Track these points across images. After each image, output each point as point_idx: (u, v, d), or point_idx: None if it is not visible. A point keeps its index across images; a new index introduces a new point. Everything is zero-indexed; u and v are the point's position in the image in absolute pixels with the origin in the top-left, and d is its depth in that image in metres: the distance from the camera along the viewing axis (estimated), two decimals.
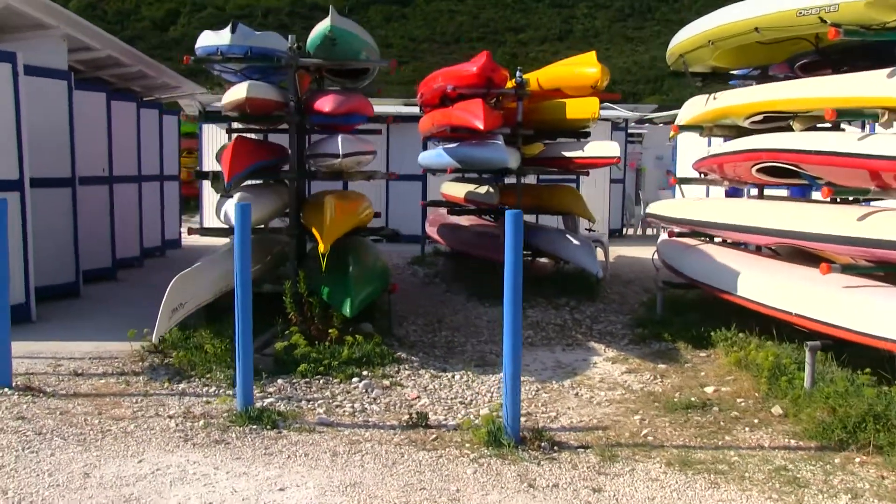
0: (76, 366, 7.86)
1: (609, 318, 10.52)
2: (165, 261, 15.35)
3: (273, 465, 5.52)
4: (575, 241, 11.59)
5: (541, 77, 12.36)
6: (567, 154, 11.90)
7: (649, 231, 20.84)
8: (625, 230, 21.61)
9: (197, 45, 9.43)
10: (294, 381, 7.42)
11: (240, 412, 6.34)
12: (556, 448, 5.92)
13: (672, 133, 10.66)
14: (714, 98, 9.13)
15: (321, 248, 7.93)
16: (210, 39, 9.12)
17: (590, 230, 12.86)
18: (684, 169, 16.26)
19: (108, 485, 5.17)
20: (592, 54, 11.74)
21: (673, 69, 10.04)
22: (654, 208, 11.11)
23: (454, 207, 13.60)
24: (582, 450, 5.92)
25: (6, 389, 6.99)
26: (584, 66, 11.62)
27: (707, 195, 15.44)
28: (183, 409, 6.64)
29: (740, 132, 9.63)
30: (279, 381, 7.40)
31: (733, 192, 13.43)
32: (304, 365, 7.55)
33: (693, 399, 7.11)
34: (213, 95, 17.97)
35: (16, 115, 9.70)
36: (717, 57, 8.76)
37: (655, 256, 11.37)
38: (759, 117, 8.37)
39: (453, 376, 7.79)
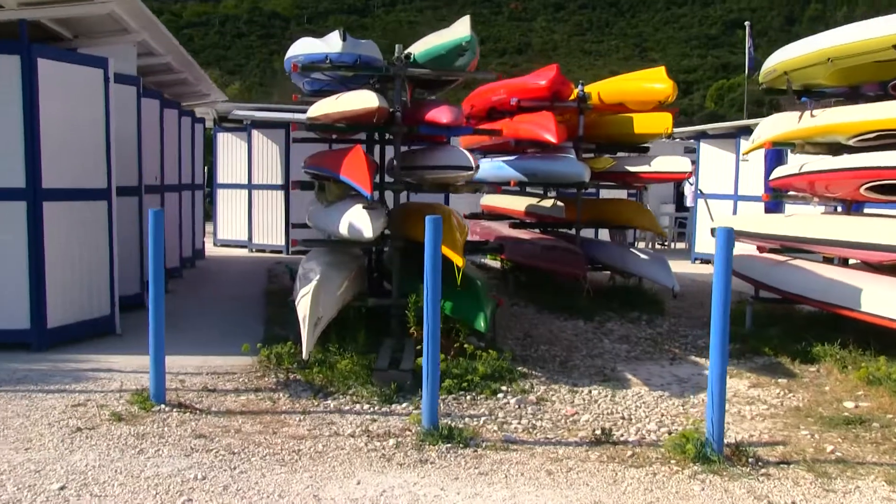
0: (200, 381, 7.69)
1: (692, 332, 10.58)
2: (200, 271, 15.07)
3: (497, 485, 5.42)
4: (644, 256, 11.64)
5: (602, 91, 12.40)
6: (632, 169, 11.94)
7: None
8: (636, 243, 21.79)
9: (298, 52, 9.27)
10: (442, 397, 7.26)
11: (428, 430, 6.20)
12: (759, 464, 5.89)
13: (750, 149, 10.74)
14: (812, 115, 9.25)
15: (459, 262, 7.80)
16: (318, 47, 8.97)
17: (663, 244, 12.91)
18: (706, 183, 16.51)
19: None
20: (662, 70, 11.85)
21: (767, 86, 10.15)
22: (732, 223, 11.17)
23: (511, 220, 13.56)
24: (785, 465, 5.92)
25: (163, 406, 6.75)
26: (654, 82, 11.72)
27: (734, 211, 15.67)
28: (358, 427, 6.47)
29: (831, 150, 9.76)
30: None
31: (774, 207, 13.64)
32: (449, 381, 7.42)
33: (845, 414, 7.16)
34: (230, 104, 17.64)
35: (105, 123, 9.42)
36: (830, 75, 8.90)
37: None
38: (872, 135, 8.50)
39: (590, 392, 7.75)
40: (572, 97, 12.04)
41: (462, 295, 8.30)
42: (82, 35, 10.05)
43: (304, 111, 18.21)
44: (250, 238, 18.20)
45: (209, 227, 19.83)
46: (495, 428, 6.63)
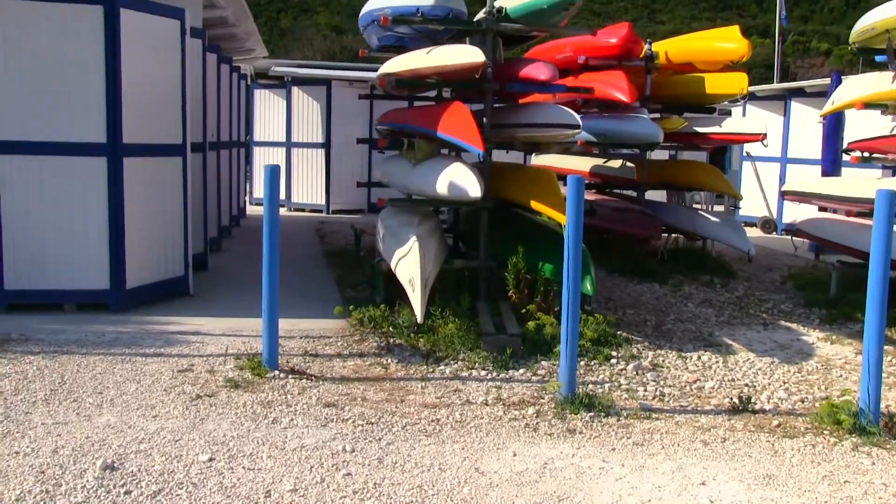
0: (297, 345, 7.47)
1: (770, 297, 10.37)
2: (246, 231, 14.76)
3: (658, 457, 5.20)
4: (716, 219, 11.38)
5: (670, 50, 12.05)
6: (703, 130, 11.64)
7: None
8: (711, 207, 21.57)
9: (383, 5, 8.89)
10: (555, 363, 7.02)
11: (567, 398, 5.95)
12: None
13: (830, 110, 10.42)
14: None
15: (563, 220, 7.49)
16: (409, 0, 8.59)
17: (734, 207, 12.62)
18: (753, 146, 16.12)
19: (514, 481, 4.81)
20: (735, 28, 11.52)
21: (860, 45, 9.81)
22: (804, 186, 10.92)
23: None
24: None
25: (277, 372, 6.48)
26: (727, 41, 11.38)
27: (782, 175, 15.40)
28: (489, 395, 6.23)
29: None
30: (543, 362, 7.00)
31: (830, 171, 13.37)
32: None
33: None
34: (270, 60, 17.20)
35: (182, 76, 9.07)
36: None
37: (796, 238, 11.24)
38: None
39: (699, 358, 7.54)
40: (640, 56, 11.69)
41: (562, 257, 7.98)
42: None
43: (345, 69, 17.85)
44: (289, 197, 17.87)
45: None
46: (626, 395, 6.40)
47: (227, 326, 7.94)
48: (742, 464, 5.12)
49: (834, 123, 13.34)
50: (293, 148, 17.53)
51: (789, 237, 12.98)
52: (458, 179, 7.52)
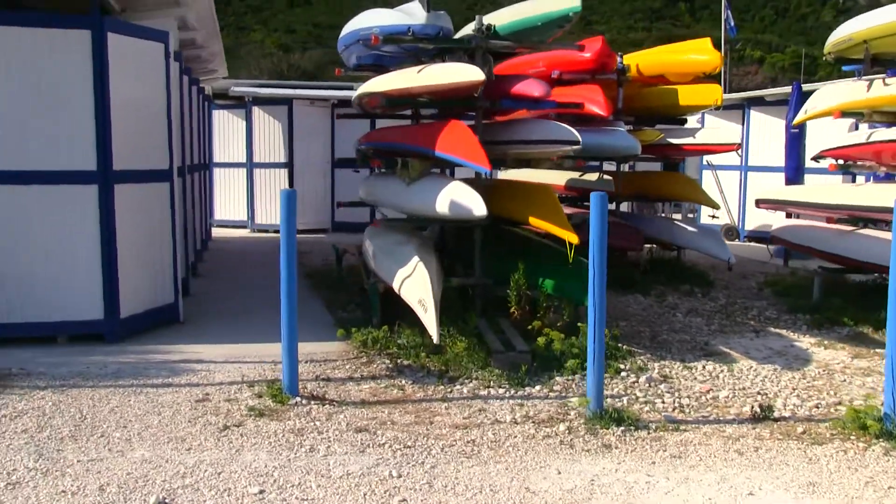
0: (306, 370, 7.37)
1: (752, 304, 10.58)
2: (216, 253, 14.60)
3: (698, 468, 5.29)
4: (694, 230, 11.59)
5: (641, 62, 12.25)
6: (676, 141, 11.85)
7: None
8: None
9: (371, 24, 8.94)
10: (567, 377, 7.09)
11: (595, 413, 6.02)
12: None
13: (803, 119, 10.71)
14: (886, 84, 9.25)
15: (574, 239, 7.59)
16: (397, 18, 8.64)
17: (713, 217, 12.86)
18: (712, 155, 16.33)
19: (567, 499, 4.88)
20: (707, 41, 11.74)
21: (836, 55, 10.11)
22: (779, 195, 11.20)
23: None
24: None
25: (298, 399, 6.42)
26: (698, 53, 11.60)
27: (743, 183, 15.73)
28: (517, 413, 6.26)
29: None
30: (557, 378, 7.07)
31: (794, 179, 13.74)
32: (573, 361, 7.23)
33: None
34: (228, 80, 17.05)
35: (167, 100, 8.94)
36: None
37: (771, 245, 11.50)
38: None
39: (704, 367, 7.68)
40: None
41: (564, 272, 8.09)
42: (129, 8, 9.49)
43: (305, 87, 17.74)
44: (252, 218, 17.69)
45: None
46: (647, 408, 6.49)
47: (227, 353, 7.84)
48: (782, 472, 5.22)
49: (795, 133, 13.70)
50: (255, 168, 17.37)
51: (751, 244, 13.26)
52: (461, 198, 7.53)
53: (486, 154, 7.24)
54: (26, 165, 7.87)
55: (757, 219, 15.78)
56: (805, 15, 70.13)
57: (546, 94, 8.30)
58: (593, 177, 12.40)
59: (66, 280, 8.04)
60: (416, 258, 7.75)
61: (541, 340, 7.43)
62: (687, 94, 11.60)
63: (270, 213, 17.41)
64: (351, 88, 17.16)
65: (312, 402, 6.38)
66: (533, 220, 8.09)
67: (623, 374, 7.28)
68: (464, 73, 7.74)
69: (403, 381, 7.01)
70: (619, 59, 12.02)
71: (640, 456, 5.45)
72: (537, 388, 6.87)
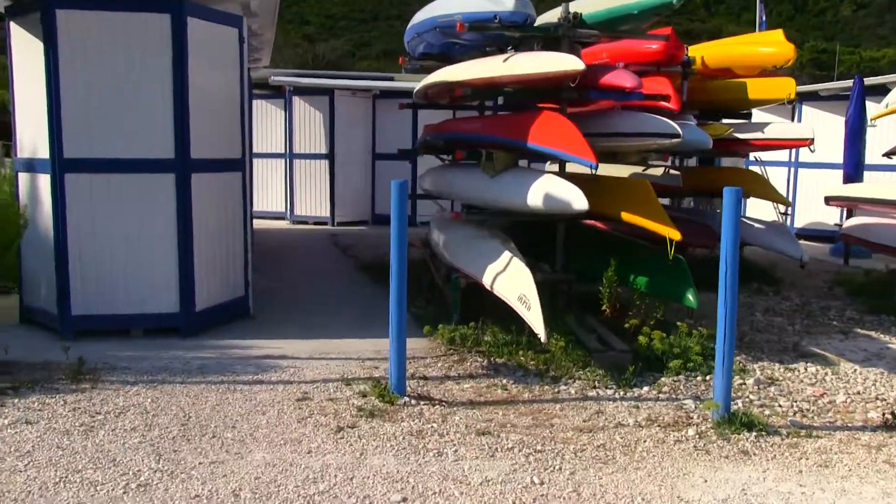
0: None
1: (828, 303, 10.32)
2: (261, 246, 14.30)
3: (853, 480, 5.07)
4: (764, 226, 11.32)
5: (706, 54, 11.95)
6: (744, 136, 11.56)
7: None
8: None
9: (453, 10, 8.64)
10: (672, 378, 6.83)
11: (724, 418, 5.75)
12: None
13: (882, 114, 10.44)
14: None
15: (676, 236, 7.31)
16: (480, 5, 8.34)
17: (784, 214, 12.57)
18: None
19: None
20: (779, 32, 11.44)
21: None
22: (850, 192, 10.92)
23: None
24: None
25: (406, 399, 6.15)
26: (770, 45, 11.29)
27: (793, 179, 15.42)
28: (641, 417, 6.00)
29: None
30: (662, 379, 6.80)
31: (854, 175, 13.45)
32: (676, 362, 6.97)
33: None
34: (268, 70, 16.75)
35: (240, 86, 8.66)
36: None
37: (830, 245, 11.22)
38: None
39: (806, 369, 7.40)
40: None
41: (660, 270, 7.82)
42: None
43: (342, 77, 17.44)
44: (291, 210, 17.39)
45: None
46: (768, 412, 6.23)
47: (310, 349, 7.59)
48: None
49: (856, 128, 13.40)
50: (295, 159, 17.06)
51: (800, 242, 12.95)
52: (559, 191, 7.26)
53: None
54: (104, 153, 7.58)
55: (807, 216, 15.50)
56: (824, 10, 69.74)
57: (639, 86, 8.01)
58: (656, 171, 12.09)
59: (142, 272, 7.79)
60: (507, 253, 7.50)
61: (642, 339, 7.16)
62: (757, 88, 11.30)
63: (309, 204, 17.13)
64: (391, 79, 16.92)
65: (422, 403, 6.10)
66: (627, 216, 7.81)
67: None
68: (561, 63, 7.46)
69: (504, 381, 6.74)
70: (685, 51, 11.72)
71: (783, 464, 5.20)
72: (645, 389, 6.61)
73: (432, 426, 5.67)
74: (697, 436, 5.61)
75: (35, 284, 8.04)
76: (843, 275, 11.85)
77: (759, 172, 15.15)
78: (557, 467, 5.06)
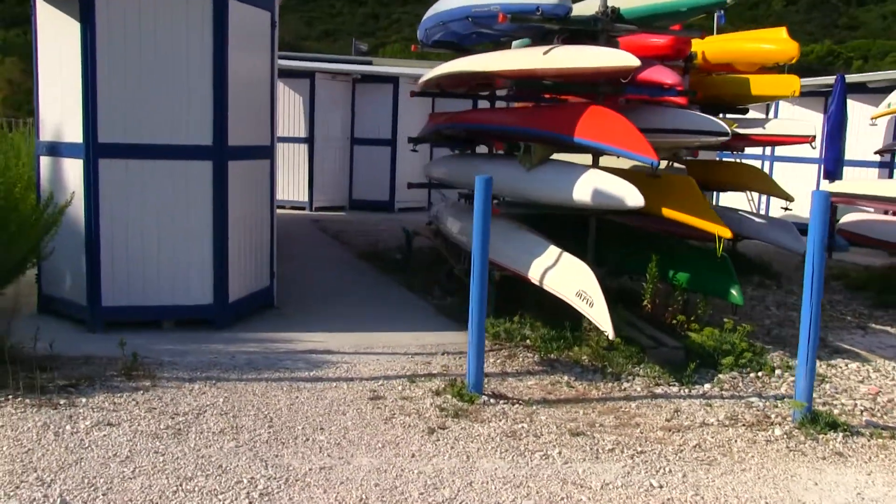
0: (452, 363, 7.09)
1: (834, 299, 10.55)
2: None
3: None
4: (764, 221, 11.49)
5: (707, 50, 12.05)
6: (745, 132, 11.70)
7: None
8: None
9: (490, 1, 8.53)
10: (733, 375, 6.91)
11: (805, 417, 5.82)
12: None
13: (881, 114, 10.69)
14: None
15: (727, 234, 7.37)
16: None
17: (785, 209, 12.75)
18: None
19: None
20: (783, 30, 11.58)
21: None
22: (852, 188, 11.18)
23: None
24: None
25: (485, 398, 6.08)
26: (773, 42, 11.43)
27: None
28: (724, 416, 6.04)
29: None
30: (720, 376, 6.88)
31: (833, 171, 13.76)
32: (729, 358, 7.04)
33: None
34: None
35: (271, 71, 8.43)
36: None
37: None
38: None
39: (847, 366, 7.54)
40: None
41: (700, 265, 7.87)
42: None
43: (328, 61, 17.16)
44: None
45: None
46: (836, 411, 6.31)
47: (351, 342, 7.46)
48: None
49: (837, 125, 13.69)
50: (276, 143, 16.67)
51: None
52: (611, 188, 7.24)
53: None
54: (139, 138, 7.31)
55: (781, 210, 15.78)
56: (757, 3, 71.09)
57: (679, 82, 8.02)
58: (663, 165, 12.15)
59: (175, 262, 7.55)
60: (554, 247, 7.44)
61: (696, 337, 7.20)
62: (760, 84, 11.41)
63: (288, 188, 16.80)
64: (370, 63, 16.69)
65: (501, 402, 6.03)
66: (669, 212, 7.82)
67: (777, 371, 7.07)
68: (617, 58, 7.43)
69: (565, 378, 6.72)
70: None
71: (885, 467, 5.29)
72: (706, 386, 6.67)
73: (523, 426, 5.60)
74: (786, 436, 5.66)
75: (58, 273, 7.71)
76: (835, 269, 12.09)
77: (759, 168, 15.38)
78: (667, 469, 5.04)
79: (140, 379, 6.17)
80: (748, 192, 11.94)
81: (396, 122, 16.55)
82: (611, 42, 8.40)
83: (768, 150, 16.52)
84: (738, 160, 12.58)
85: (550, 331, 7.59)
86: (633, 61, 7.25)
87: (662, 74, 7.97)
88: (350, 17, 60.90)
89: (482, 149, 10.99)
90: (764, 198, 16.51)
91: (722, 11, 24.91)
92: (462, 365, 6.92)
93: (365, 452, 5.08)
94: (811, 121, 14.75)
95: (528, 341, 7.50)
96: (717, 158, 14.89)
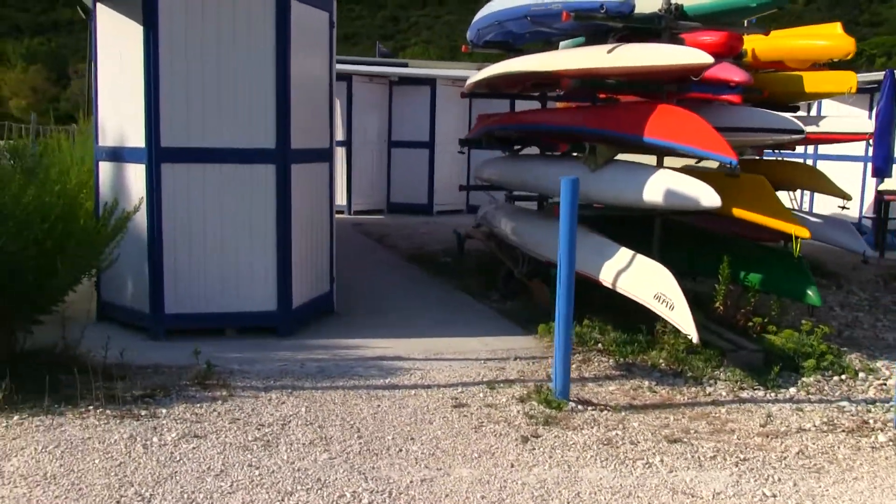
0: (528, 369, 6.93)
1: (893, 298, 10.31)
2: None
3: None
4: (820, 220, 11.28)
5: (757, 47, 11.83)
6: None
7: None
8: None
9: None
10: (817, 378, 6.71)
11: None
12: None
13: None
14: None
15: (805, 234, 7.18)
16: None
17: (843, 208, 12.53)
18: None
19: None
20: (837, 25, 11.36)
21: None
22: None
23: None
24: None
25: (573, 404, 5.91)
26: (828, 39, 11.21)
27: None
28: (816, 421, 5.85)
29: None
30: (804, 379, 6.69)
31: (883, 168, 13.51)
32: (810, 361, 6.85)
33: None
34: None
35: (329, 73, 8.29)
36: None
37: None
38: None
39: None
40: None
41: (774, 266, 7.68)
42: None
43: (365, 63, 17.03)
44: None
45: None
46: None
47: (420, 349, 7.31)
48: None
49: (886, 121, 13.45)
50: None
51: None
52: (686, 188, 7.07)
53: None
54: (201, 143, 7.19)
55: (826, 208, 15.56)
56: None
57: (749, 80, 7.85)
58: (711, 164, 11.94)
59: (239, 268, 7.42)
60: (624, 249, 7.27)
61: (775, 339, 7.01)
62: (814, 81, 11.18)
63: None
64: (405, 66, 16.56)
65: (589, 408, 5.86)
66: (740, 212, 7.63)
67: (862, 375, 6.88)
68: (690, 56, 7.26)
69: (646, 382, 6.56)
70: None
71: None
72: (792, 390, 6.48)
73: (617, 434, 5.44)
74: (892, 442, 5.46)
75: (118, 280, 7.58)
76: (893, 269, 11.87)
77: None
78: (776, 477, 4.88)
79: (215, 389, 6.03)
80: (789, 192, 11.72)
81: (434, 125, 16.41)
82: (674, 40, 8.21)
83: (811, 148, 16.23)
84: (780, 158, 12.35)
85: (622, 334, 7.41)
86: (707, 59, 7.09)
87: (730, 72, 7.81)
88: (370, 21, 60.90)
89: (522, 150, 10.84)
90: (807, 196, 16.26)
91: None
92: (538, 370, 6.77)
93: (462, 463, 4.92)
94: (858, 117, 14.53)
95: (600, 345, 7.30)
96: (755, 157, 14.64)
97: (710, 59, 7.05)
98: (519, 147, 10.48)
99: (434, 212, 16.72)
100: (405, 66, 17.54)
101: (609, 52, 7.84)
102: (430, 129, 16.49)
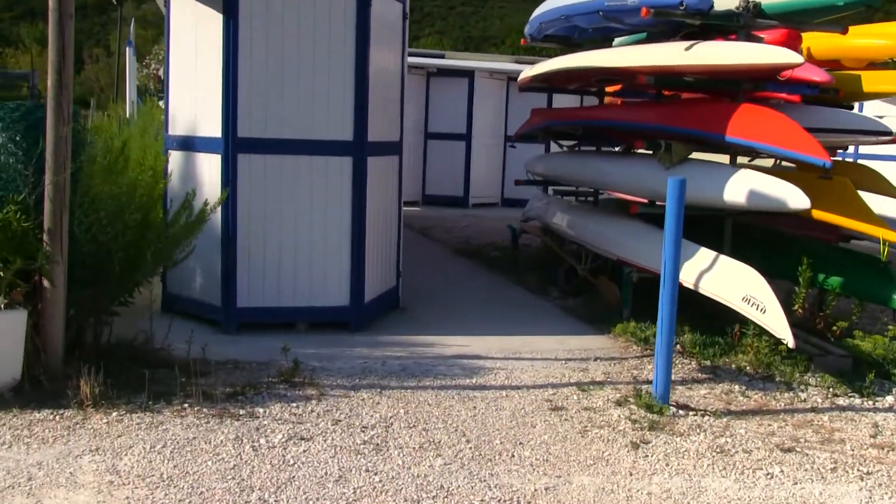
0: (612, 370, 6.81)
1: None
2: None
3: None
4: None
5: (812, 46, 11.66)
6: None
7: None
8: None
9: None
10: None
11: None
12: None
13: None
14: None
15: (892, 237, 7.05)
16: None
17: None
18: None
19: None
20: (895, 24, 11.21)
21: None
22: None
23: None
24: None
25: (674, 409, 5.79)
26: (887, 38, 11.05)
27: None
28: None
29: None
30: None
31: None
32: None
33: None
34: None
35: (401, 65, 8.14)
36: None
37: None
38: None
39: None
40: None
41: (856, 269, 7.55)
42: None
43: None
44: None
45: None
46: None
47: (498, 347, 7.22)
48: None
49: None
50: None
51: None
52: (771, 189, 6.93)
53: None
54: (278, 133, 7.06)
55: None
56: None
57: (830, 80, 7.71)
58: (766, 162, 11.81)
59: (312, 262, 7.30)
60: (704, 249, 7.15)
61: (864, 344, 6.89)
62: (873, 80, 11.01)
63: None
64: (443, 57, 16.39)
65: (690, 413, 5.73)
66: (820, 214, 7.49)
67: None
68: (776, 55, 7.13)
69: (735, 386, 6.44)
70: None
71: None
72: (889, 399, 6.35)
73: (727, 441, 5.32)
74: None
75: (188, 272, 7.43)
76: None
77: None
78: None
79: (304, 387, 5.90)
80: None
81: (471, 117, 16.25)
82: (751, 38, 8.07)
83: (850, 147, 16.04)
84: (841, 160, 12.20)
85: (700, 335, 7.28)
86: (797, 59, 6.95)
87: (812, 72, 7.64)
88: None
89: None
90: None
91: None
92: (622, 371, 6.67)
93: (578, 470, 4.80)
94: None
95: (678, 346, 7.15)
96: None
97: (800, 59, 6.93)
98: (575, 143, 10.33)
99: (470, 204, 16.58)
100: (442, 57, 17.35)
101: (687, 49, 7.69)
102: (468, 121, 16.34)
